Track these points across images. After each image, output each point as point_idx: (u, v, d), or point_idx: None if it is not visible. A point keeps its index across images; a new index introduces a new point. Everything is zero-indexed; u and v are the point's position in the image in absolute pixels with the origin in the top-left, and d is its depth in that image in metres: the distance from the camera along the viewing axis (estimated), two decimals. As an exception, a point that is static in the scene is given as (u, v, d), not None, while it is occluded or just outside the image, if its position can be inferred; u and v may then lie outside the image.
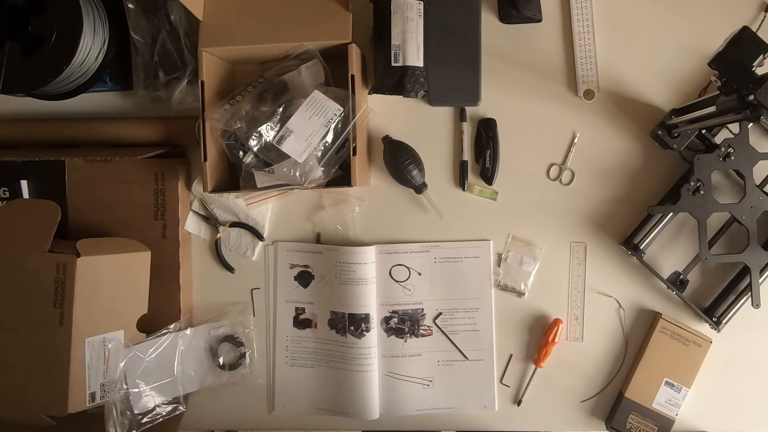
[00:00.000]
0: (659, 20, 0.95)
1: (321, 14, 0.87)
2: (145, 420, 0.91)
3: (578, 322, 0.97)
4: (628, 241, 0.93)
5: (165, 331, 0.95)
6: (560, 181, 0.97)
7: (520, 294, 0.97)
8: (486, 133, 0.96)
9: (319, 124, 0.86)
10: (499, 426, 0.98)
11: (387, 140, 0.95)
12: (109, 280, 0.87)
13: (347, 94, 0.87)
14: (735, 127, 0.91)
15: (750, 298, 0.89)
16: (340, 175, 0.90)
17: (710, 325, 0.92)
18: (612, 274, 0.96)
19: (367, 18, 0.91)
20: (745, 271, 0.91)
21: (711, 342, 0.93)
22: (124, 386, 0.89)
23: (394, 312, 0.98)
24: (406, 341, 0.98)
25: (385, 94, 0.91)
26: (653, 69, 0.95)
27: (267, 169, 0.87)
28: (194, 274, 1.00)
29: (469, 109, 0.97)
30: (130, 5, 0.93)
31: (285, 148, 0.85)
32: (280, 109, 0.87)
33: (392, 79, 0.89)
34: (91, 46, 0.89)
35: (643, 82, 0.95)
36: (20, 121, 1.00)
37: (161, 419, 0.93)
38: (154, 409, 0.93)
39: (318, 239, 0.99)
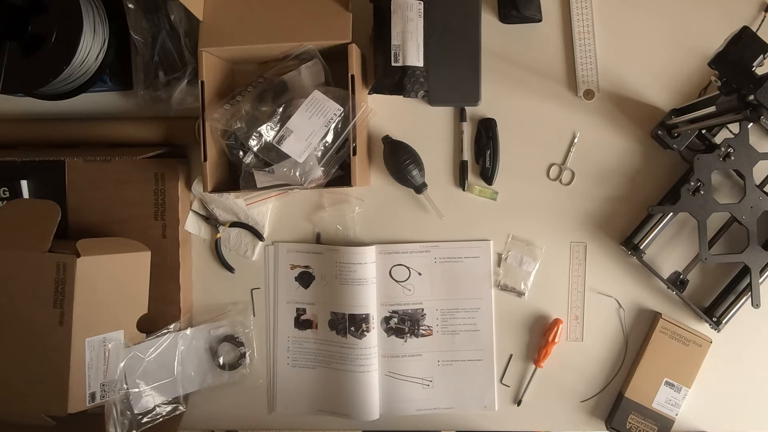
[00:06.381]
0: (659, 20, 0.95)
1: (321, 14, 0.87)
2: (145, 420, 0.91)
3: (578, 322, 0.97)
4: (628, 241, 0.93)
5: (165, 331, 0.95)
6: (560, 181, 0.97)
7: (520, 294, 0.97)
8: (486, 133, 0.96)
9: (319, 124, 0.86)
10: (499, 426, 0.98)
11: (387, 140, 0.95)
12: (109, 280, 0.87)
13: (347, 94, 0.87)
14: (735, 127, 0.91)
15: (750, 298, 0.89)
16: (340, 175, 0.90)
17: (710, 325, 0.92)
18: (612, 274, 0.96)
19: (367, 18, 0.91)
20: (745, 271, 0.91)
21: (711, 342, 0.93)
22: (124, 386, 0.89)
23: (394, 312, 0.98)
24: (406, 341, 0.98)
25: (385, 94, 0.91)
26: (653, 69, 0.95)
27: (267, 169, 0.87)
28: (194, 274, 1.00)
29: (469, 109, 0.97)
30: (130, 5, 0.93)
31: (285, 148, 0.85)
32: (280, 109, 0.87)
33: (392, 79, 0.89)
34: (91, 46, 0.89)
35: (643, 82, 0.95)
36: (20, 121, 1.00)
37: (161, 419, 0.93)
38: (154, 409, 0.93)
39: (318, 239, 0.99)
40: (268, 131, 0.87)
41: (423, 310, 0.98)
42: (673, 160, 0.95)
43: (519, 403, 0.97)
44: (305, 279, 0.99)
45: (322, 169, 0.87)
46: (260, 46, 0.88)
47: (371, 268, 0.97)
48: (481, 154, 0.96)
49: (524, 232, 0.97)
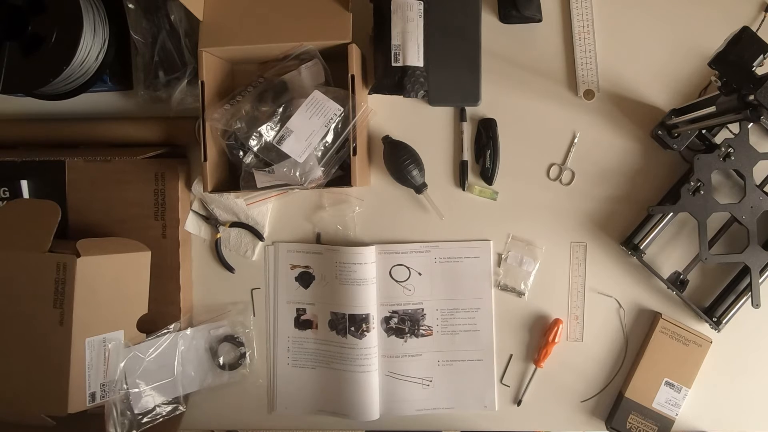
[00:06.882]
0: (659, 20, 0.95)
1: (321, 14, 0.87)
2: (145, 420, 0.91)
3: (578, 322, 0.97)
4: (628, 241, 0.93)
5: (165, 331, 0.95)
6: (560, 181, 0.97)
7: (520, 294, 0.97)
8: (486, 133, 0.96)
9: (319, 124, 0.86)
10: (499, 426, 0.98)
11: (387, 140, 0.95)
12: (109, 280, 0.87)
13: (347, 94, 0.87)
14: (735, 127, 0.91)
15: (750, 298, 0.89)
16: (340, 175, 0.90)
17: (710, 325, 0.92)
18: (612, 274, 0.96)
19: (367, 18, 0.91)
20: (745, 271, 0.91)
21: (711, 342, 0.93)
22: (124, 386, 0.89)
23: (394, 312, 0.98)
24: (406, 341, 0.98)
25: (385, 94, 0.91)
26: (653, 69, 0.95)
27: (267, 169, 0.87)
28: (194, 274, 1.00)
29: (469, 109, 0.97)
30: (130, 5, 0.93)
31: (285, 148, 0.85)
32: (280, 109, 0.87)
33: (392, 79, 0.89)
34: (91, 46, 0.89)
35: (642, 82, 0.95)
36: (20, 121, 1.00)
37: (161, 419, 0.93)
38: (154, 409, 0.93)
39: (318, 239, 0.99)
40: (268, 131, 0.87)
41: (423, 310, 0.98)
42: (673, 160, 0.95)
43: (519, 403, 0.97)
44: (305, 279, 0.99)
45: (322, 169, 0.87)
46: (260, 46, 0.88)
47: (371, 268, 0.97)
48: (481, 154, 0.96)
49: (524, 232, 0.97)
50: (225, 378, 0.98)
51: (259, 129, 0.86)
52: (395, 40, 0.88)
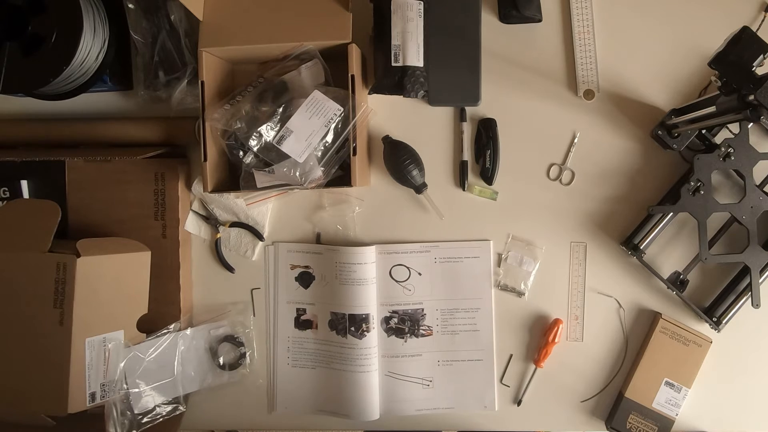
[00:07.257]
0: (659, 20, 0.95)
1: (321, 14, 0.87)
2: (145, 420, 0.91)
3: (578, 322, 0.97)
4: (628, 241, 0.93)
5: (165, 331, 0.95)
6: (560, 181, 0.97)
7: (520, 294, 0.97)
8: (486, 133, 0.96)
9: (319, 124, 0.86)
10: (499, 426, 0.98)
11: (387, 140, 0.95)
12: (109, 280, 0.87)
13: (347, 94, 0.87)
14: (735, 127, 0.91)
15: (750, 298, 0.89)
16: (340, 175, 0.90)
17: (710, 325, 0.92)
18: (612, 274, 0.96)
19: (367, 18, 0.91)
20: (745, 271, 0.91)
21: (711, 342, 0.93)
22: (124, 386, 0.89)
23: (394, 312, 0.98)
24: (406, 341, 0.98)
25: (385, 94, 0.91)
26: (653, 69, 0.95)
27: (267, 169, 0.87)
28: (194, 274, 1.00)
29: (469, 109, 0.97)
30: (130, 5, 0.93)
31: (285, 148, 0.85)
32: (280, 109, 0.87)
33: (392, 79, 0.89)
34: (91, 46, 0.89)
35: (642, 82, 0.95)
36: (20, 121, 1.00)
37: (161, 419, 0.93)
38: (154, 409, 0.93)
39: (318, 239, 0.99)
40: (268, 131, 0.87)
41: (423, 310, 0.98)
42: (673, 160, 0.95)
43: (519, 403, 0.97)
44: (305, 279, 0.99)
45: (322, 169, 0.87)
46: (260, 46, 0.88)
47: (371, 268, 0.97)
48: (481, 154, 0.96)
49: (524, 232, 0.97)
50: (225, 378, 0.98)
51: (259, 129, 0.86)
52: (395, 40, 0.88)
